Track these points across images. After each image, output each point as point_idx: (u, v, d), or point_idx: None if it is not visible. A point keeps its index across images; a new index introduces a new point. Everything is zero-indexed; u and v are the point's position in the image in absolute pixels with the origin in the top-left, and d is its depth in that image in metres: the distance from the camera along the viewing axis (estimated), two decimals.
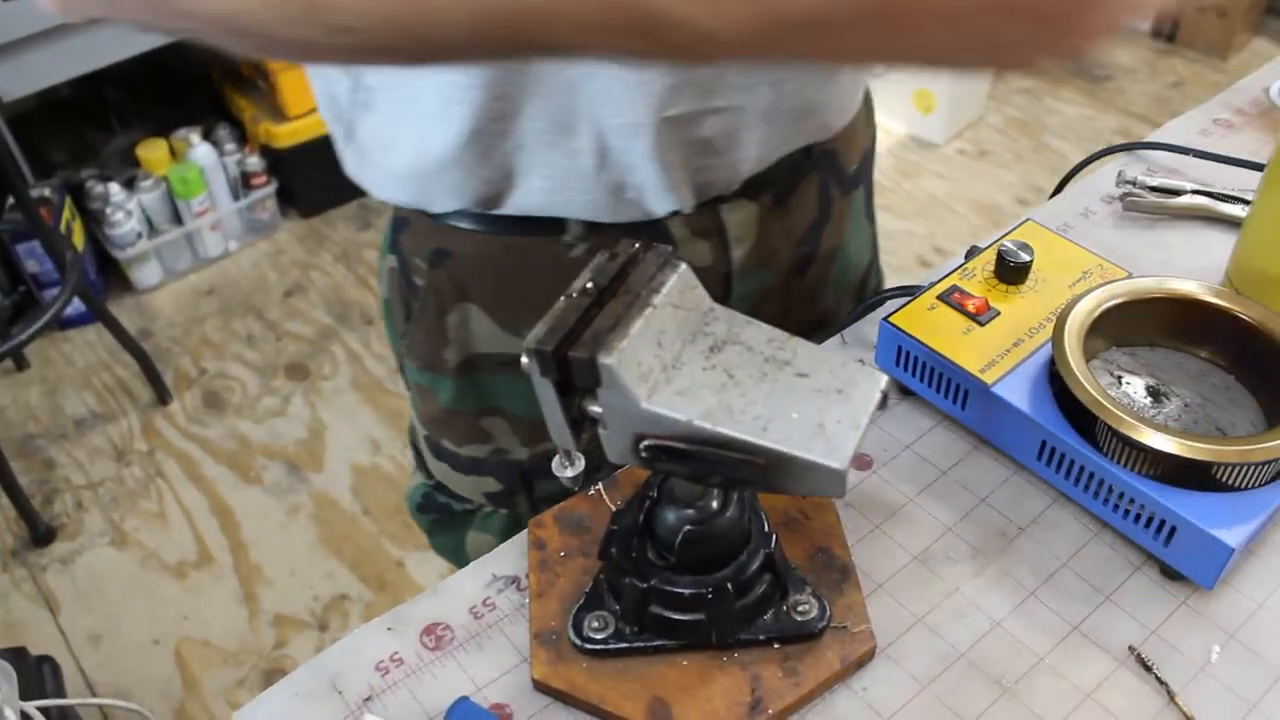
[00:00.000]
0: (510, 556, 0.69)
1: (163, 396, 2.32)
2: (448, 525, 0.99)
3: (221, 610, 1.93)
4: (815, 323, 0.97)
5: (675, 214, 0.79)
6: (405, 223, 0.85)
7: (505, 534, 0.95)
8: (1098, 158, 1.00)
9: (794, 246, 0.89)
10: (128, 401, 2.34)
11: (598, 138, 0.73)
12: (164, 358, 2.42)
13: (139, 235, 2.50)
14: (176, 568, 2.01)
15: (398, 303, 0.90)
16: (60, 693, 1.47)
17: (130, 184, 2.51)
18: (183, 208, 2.54)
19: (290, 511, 2.09)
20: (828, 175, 0.89)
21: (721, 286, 0.86)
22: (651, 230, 0.79)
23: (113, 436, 2.26)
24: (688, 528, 0.57)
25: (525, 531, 0.69)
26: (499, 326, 0.85)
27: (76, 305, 2.42)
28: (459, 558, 1.00)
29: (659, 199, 0.77)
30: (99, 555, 2.03)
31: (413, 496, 1.01)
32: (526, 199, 0.77)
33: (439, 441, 0.94)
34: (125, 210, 2.46)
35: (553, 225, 0.79)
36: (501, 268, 0.82)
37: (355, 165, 0.82)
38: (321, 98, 0.80)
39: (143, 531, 2.07)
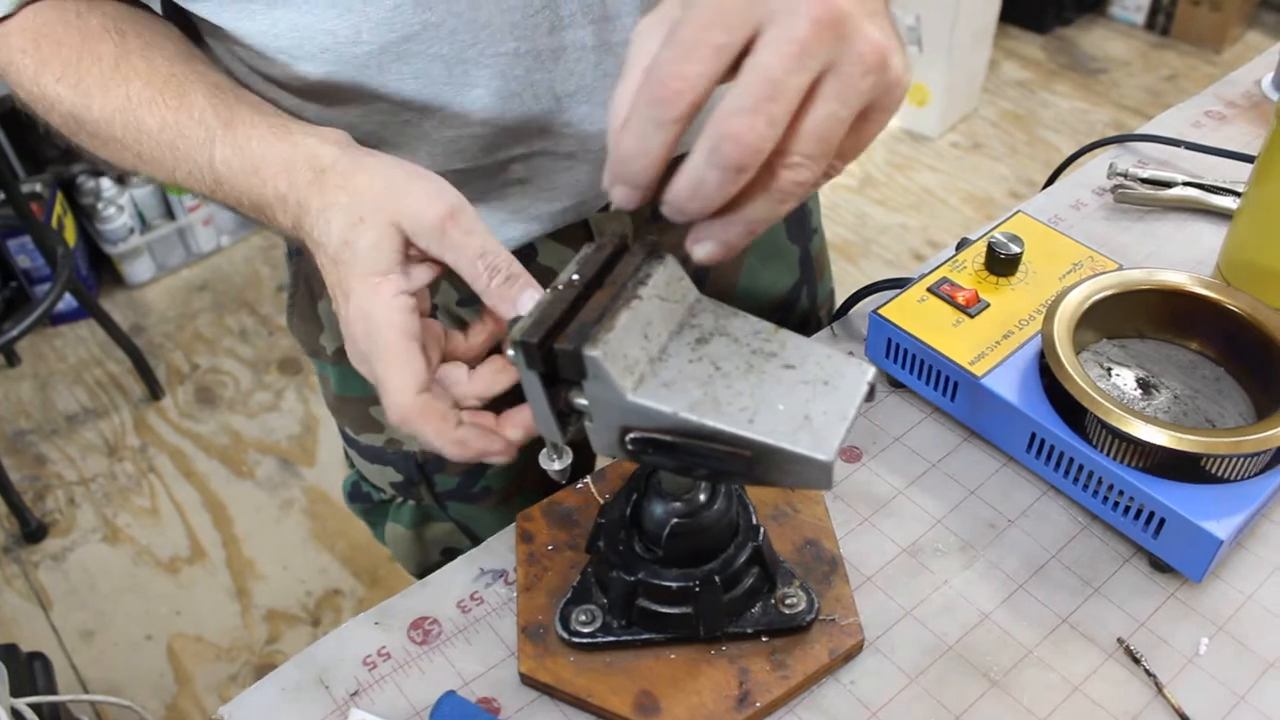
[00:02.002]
0: (497, 550, 0.69)
1: (155, 392, 2.32)
2: (376, 515, 0.99)
3: (214, 606, 1.93)
4: None
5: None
6: None
7: (415, 526, 0.96)
8: (1089, 150, 1.00)
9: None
10: (120, 397, 2.33)
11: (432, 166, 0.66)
12: (156, 353, 2.41)
13: (131, 230, 2.49)
14: (169, 563, 2.00)
15: (290, 290, 0.91)
16: (52, 690, 1.46)
17: (122, 179, 2.50)
18: (175, 203, 2.53)
19: (283, 506, 2.09)
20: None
21: None
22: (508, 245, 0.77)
23: (105, 432, 2.26)
24: (675, 521, 0.57)
25: (514, 525, 0.69)
26: None
27: (68, 301, 2.41)
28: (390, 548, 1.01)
29: (498, 231, 0.76)
30: (91, 551, 2.03)
31: (345, 485, 1.01)
32: None
33: (344, 429, 0.95)
34: (117, 205, 2.45)
35: None
36: None
37: None
38: None
39: (135, 527, 2.07)
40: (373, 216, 0.53)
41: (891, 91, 0.45)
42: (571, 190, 0.75)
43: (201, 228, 2.60)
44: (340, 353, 0.88)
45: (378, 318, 0.52)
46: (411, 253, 0.54)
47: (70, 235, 2.39)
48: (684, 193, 0.44)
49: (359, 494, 0.98)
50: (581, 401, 0.49)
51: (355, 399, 0.90)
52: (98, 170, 2.49)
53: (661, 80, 0.43)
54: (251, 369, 2.38)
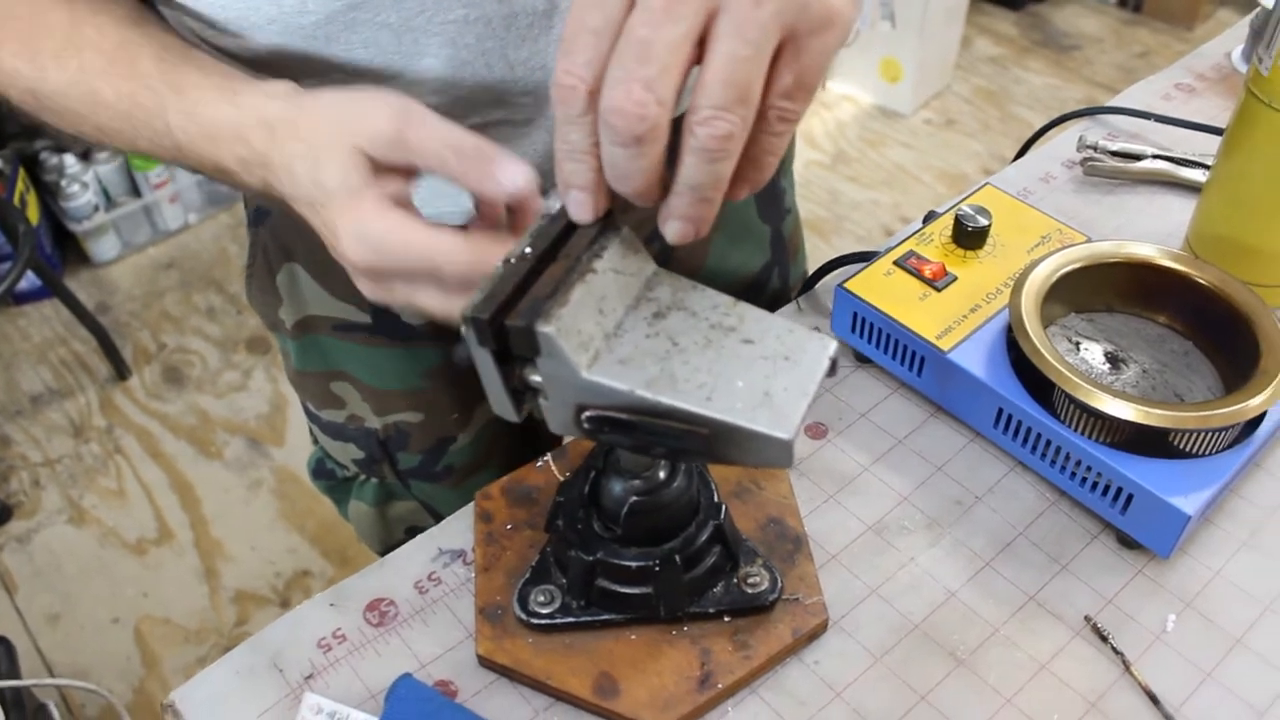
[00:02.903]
0: (456, 530, 0.68)
1: (121, 372, 2.28)
2: (338, 492, 0.98)
3: (182, 587, 1.91)
4: None
5: None
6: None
7: (379, 504, 0.94)
8: (1059, 123, 0.99)
9: (647, 240, 0.83)
10: (85, 377, 2.30)
11: None
12: (123, 332, 2.38)
13: (96, 208, 2.45)
14: (136, 545, 1.98)
15: (248, 260, 0.89)
16: (15, 674, 1.44)
17: (86, 156, 2.46)
18: (141, 180, 2.49)
19: (251, 486, 2.07)
20: None
21: None
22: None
23: (70, 413, 2.23)
24: (634, 499, 0.56)
25: (472, 504, 0.68)
26: (324, 290, 0.82)
27: (31, 280, 2.37)
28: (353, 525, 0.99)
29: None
30: (57, 533, 2.00)
31: (309, 461, 1.00)
32: None
33: (305, 404, 0.93)
34: (81, 182, 2.41)
35: None
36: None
37: None
38: None
39: (101, 509, 2.04)
40: (330, 151, 0.52)
41: (808, 9, 0.42)
42: (531, 158, 0.73)
43: (168, 205, 2.56)
44: (299, 326, 0.86)
45: (376, 228, 0.50)
46: (381, 170, 0.52)
47: (33, 213, 2.35)
48: (610, 178, 0.44)
49: (323, 471, 0.97)
50: (536, 379, 0.48)
51: (315, 374, 0.88)
52: (61, 146, 2.45)
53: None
54: (219, 348, 2.35)
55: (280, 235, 0.82)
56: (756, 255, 0.95)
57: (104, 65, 0.60)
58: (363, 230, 0.51)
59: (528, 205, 0.52)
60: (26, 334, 2.40)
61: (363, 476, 0.94)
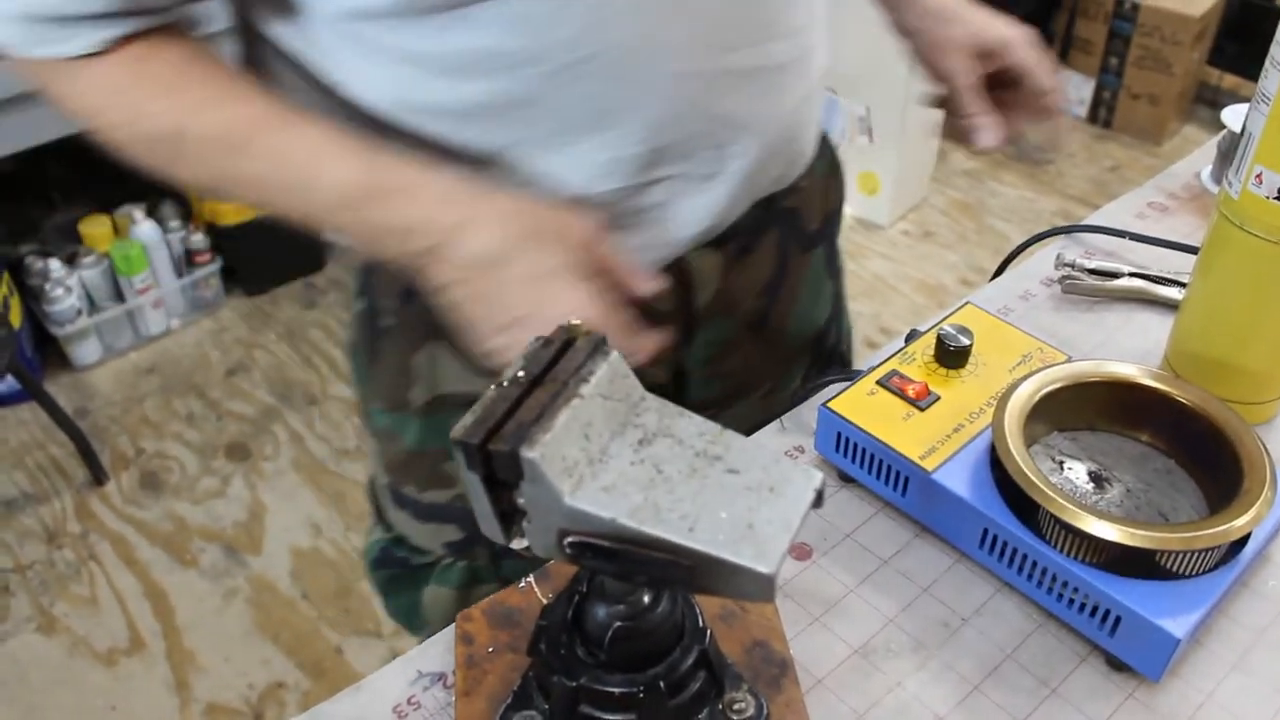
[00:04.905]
0: (437, 652, 0.66)
1: (98, 477, 2.26)
2: (405, 582, 0.98)
3: (151, 700, 1.86)
4: (774, 376, 0.98)
5: None
6: (374, 267, 0.86)
7: (463, 588, 0.95)
8: (1036, 241, 1.00)
9: (754, 298, 0.91)
10: (61, 482, 2.27)
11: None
12: (101, 437, 2.36)
13: (79, 312, 2.45)
14: (106, 655, 1.93)
15: (364, 347, 0.91)
16: None
17: (72, 260, 2.47)
18: (125, 285, 2.50)
19: (226, 596, 2.03)
20: (787, 232, 0.92)
21: (684, 331, 0.88)
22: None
23: (44, 518, 2.19)
24: (618, 624, 0.55)
25: (453, 626, 0.67)
26: (464, 365, 0.85)
27: (11, 383, 2.36)
28: (414, 619, 0.99)
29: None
30: (24, 642, 1.95)
31: (370, 551, 1.00)
32: None
33: (401, 489, 0.94)
34: (65, 286, 2.41)
35: None
36: None
37: None
38: None
39: (72, 617, 2.00)
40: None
41: None
42: (705, 212, 0.81)
43: (151, 310, 2.57)
44: (428, 405, 0.87)
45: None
46: None
47: (15, 316, 2.34)
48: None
49: (390, 559, 0.97)
50: (522, 501, 0.48)
51: (433, 452, 0.90)
52: (47, 251, 2.46)
53: None
54: (198, 454, 2.33)
55: (428, 314, 0.84)
56: (824, 309, 1.02)
57: (258, 116, 0.67)
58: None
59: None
60: (3, 438, 2.38)
61: (449, 560, 0.94)
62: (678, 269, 0.84)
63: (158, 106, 0.67)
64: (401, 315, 0.86)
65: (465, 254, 0.64)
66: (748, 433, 0.83)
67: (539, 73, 0.67)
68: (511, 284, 0.64)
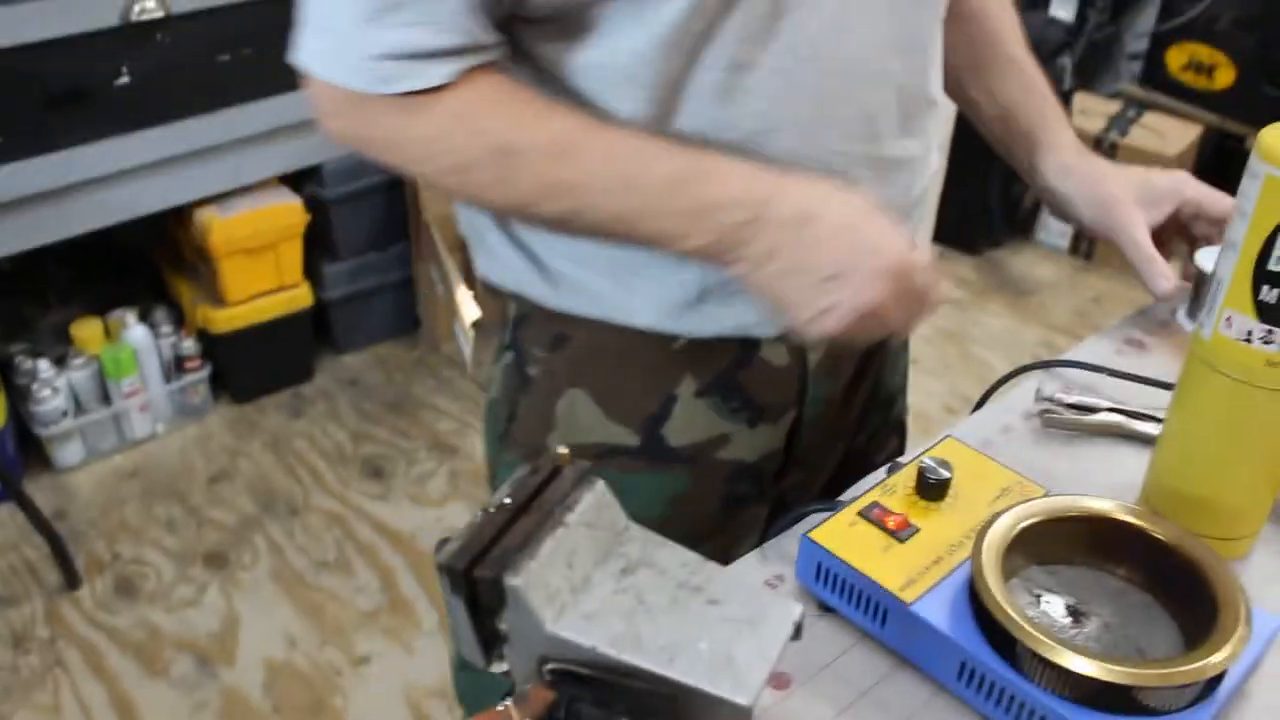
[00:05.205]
0: None
1: (72, 581, 2.23)
2: (501, 683, 0.98)
3: None
4: (848, 439, 1.07)
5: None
6: (526, 318, 0.93)
7: None
8: (1016, 375, 1.02)
9: (855, 358, 1.01)
10: (33, 585, 2.24)
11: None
12: (78, 540, 2.33)
13: (64, 413, 2.45)
14: None
15: (505, 399, 0.97)
16: None
17: (61, 361, 2.47)
18: (112, 387, 2.50)
19: (196, 708, 1.99)
20: None
21: (797, 386, 0.95)
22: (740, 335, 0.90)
23: (13, 622, 2.16)
24: None
25: None
26: (603, 412, 0.92)
27: None
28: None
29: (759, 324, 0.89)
30: None
31: (458, 653, 1.00)
32: (641, 316, 0.89)
33: None
34: (52, 387, 2.41)
35: None
36: (612, 356, 0.91)
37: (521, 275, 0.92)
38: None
39: None
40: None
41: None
42: None
43: (137, 414, 2.57)
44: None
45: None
46: None
47: (0, 415, 2.34)
48: None
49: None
50: (504, 627, 0.48)
51: None
52: (37, 351, 2.47)
53: None
54: (175, 561, 2.30)
55: (575, 360, 0.92)
56: (899, 380, 1.14)
57: (579, 125, 0.75)
58: (900, 241, 0.74)
59: None
60: None
61: None
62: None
63: (494, 125, 0.74)
64: (549, 362, 0.92)
65: (779, 218, 0.72)
66: (827, 494, 0.90)
67: (729, 139, 0.78)
68: (824, 241, 0.73)
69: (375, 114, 0.75)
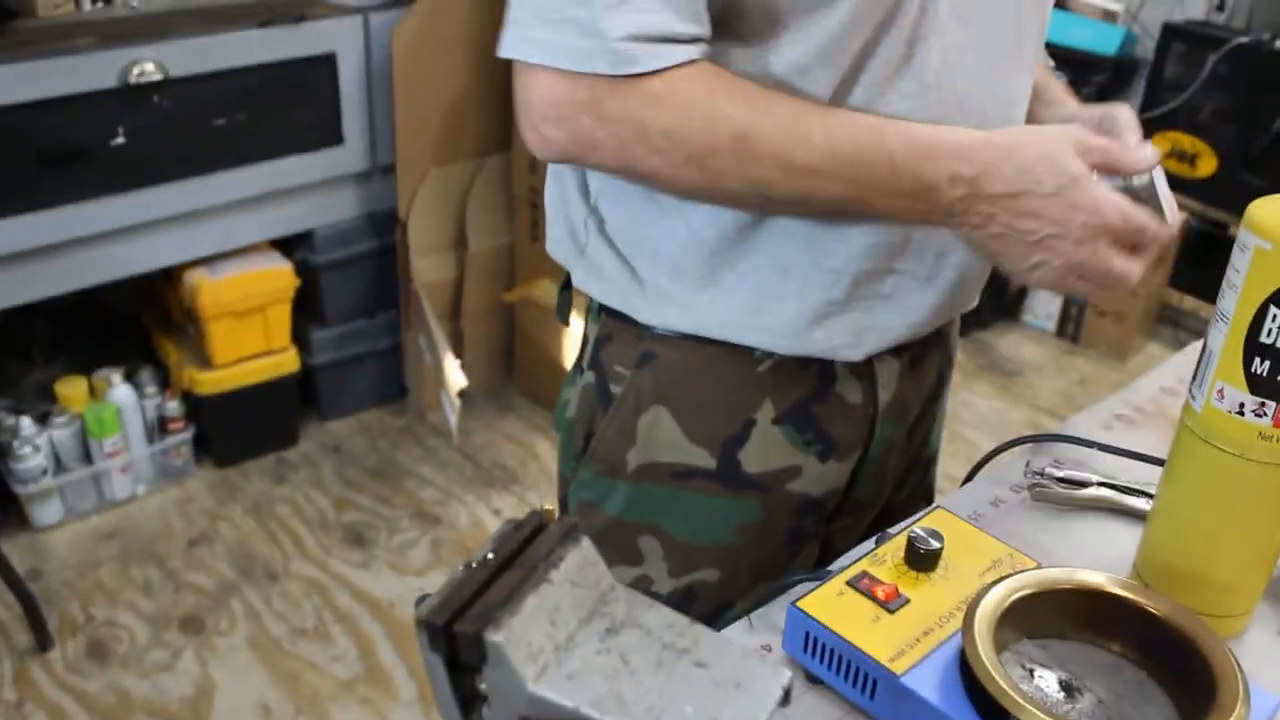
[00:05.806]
0: None
1: (43, 643, 2.18)
2: None
3: None
4: (903, 493, 1.10)
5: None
6: (609, 338, 0.95)
7: None
8: (1007, 448, 1.02)
9: (919, 404, 1.03)
10: (3, 646, 2.19)
11: (805, 281, 0.88)
12: (52, 600, 2.29)
13: (44, 471, 2.42)
14: None
15: (584, 418, 0.98)
16: None
17: (44, 419, 2.45)
18: (94, 447, 2.48)
19: None
20: (943, 355, 1.06)
21: (867, 425, 0.97)
22: (819, 365, 0.93)
23: None
24: None
25: None
26: (682, 432, 0.93)
27: None
28: None
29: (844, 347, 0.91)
30: None
31: None
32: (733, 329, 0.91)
33: None
34: (34, 445, 2.39)
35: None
36: (696, 374, 0.93)
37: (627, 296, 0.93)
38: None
39: None
40: (1063, 147, 0.78)
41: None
42: (919, 311, 0.92)
43: (119, 474, 2.54)
44: (640, 471, 0.95)
45: (1114, 199, 0.78)
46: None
47: None
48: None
49: None
50: (483, 686, 0.47)
51: (629, 524, 0.97)
52: (20, 409, 2.45)
53: None
54: (150, 625, 2.26)
55: (660, 378, 0.93)
56: (941, 434, 1.15)
57: (808, 106, 0.78)
58: (1110, 200, 0.77)
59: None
60: None
61: None
62: (868, 368, 0.94)
63: (733, 108, 0.76)
64: (634, 379, 0.94)
65: (992, 193, 0.77)
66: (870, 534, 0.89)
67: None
68: (1037, 208, 0.77)
69: (613, 107, 0.76)
